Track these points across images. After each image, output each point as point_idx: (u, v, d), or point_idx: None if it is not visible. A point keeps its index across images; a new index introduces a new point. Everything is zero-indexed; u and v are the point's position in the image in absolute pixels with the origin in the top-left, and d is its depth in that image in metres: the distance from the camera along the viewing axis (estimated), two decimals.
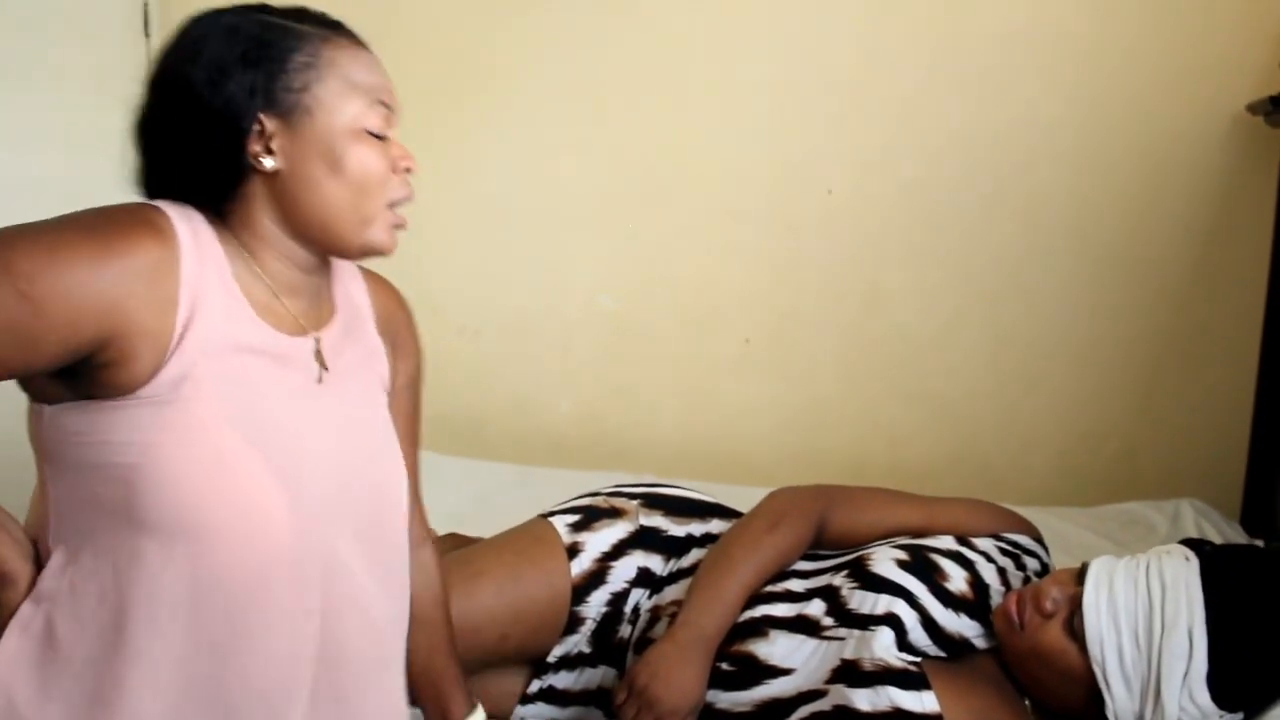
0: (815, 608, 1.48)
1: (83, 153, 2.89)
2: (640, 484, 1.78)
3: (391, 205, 1.14)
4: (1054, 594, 1.40)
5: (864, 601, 1.44)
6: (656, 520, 1.67)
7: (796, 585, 1.53)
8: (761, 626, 1.49)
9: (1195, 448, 2.52)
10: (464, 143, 2.80)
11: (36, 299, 0.96)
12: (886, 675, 1.38)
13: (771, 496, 1.63)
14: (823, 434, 2.71)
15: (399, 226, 1.16)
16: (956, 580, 1.48)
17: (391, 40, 3.08)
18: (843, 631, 1.43)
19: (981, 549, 1.54)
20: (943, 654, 1.44)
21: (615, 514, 1.67)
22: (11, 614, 1.05)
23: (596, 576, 1.60)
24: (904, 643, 1.42)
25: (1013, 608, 1.41)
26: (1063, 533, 2.19)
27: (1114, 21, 2.44)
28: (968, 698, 1.41)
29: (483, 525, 1.83)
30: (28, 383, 1.05)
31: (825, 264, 2.68)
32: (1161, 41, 2.42)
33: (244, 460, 1.05)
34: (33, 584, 1.05)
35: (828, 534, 1.60)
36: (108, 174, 3.17)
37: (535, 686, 1.59)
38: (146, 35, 3.03)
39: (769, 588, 1.53)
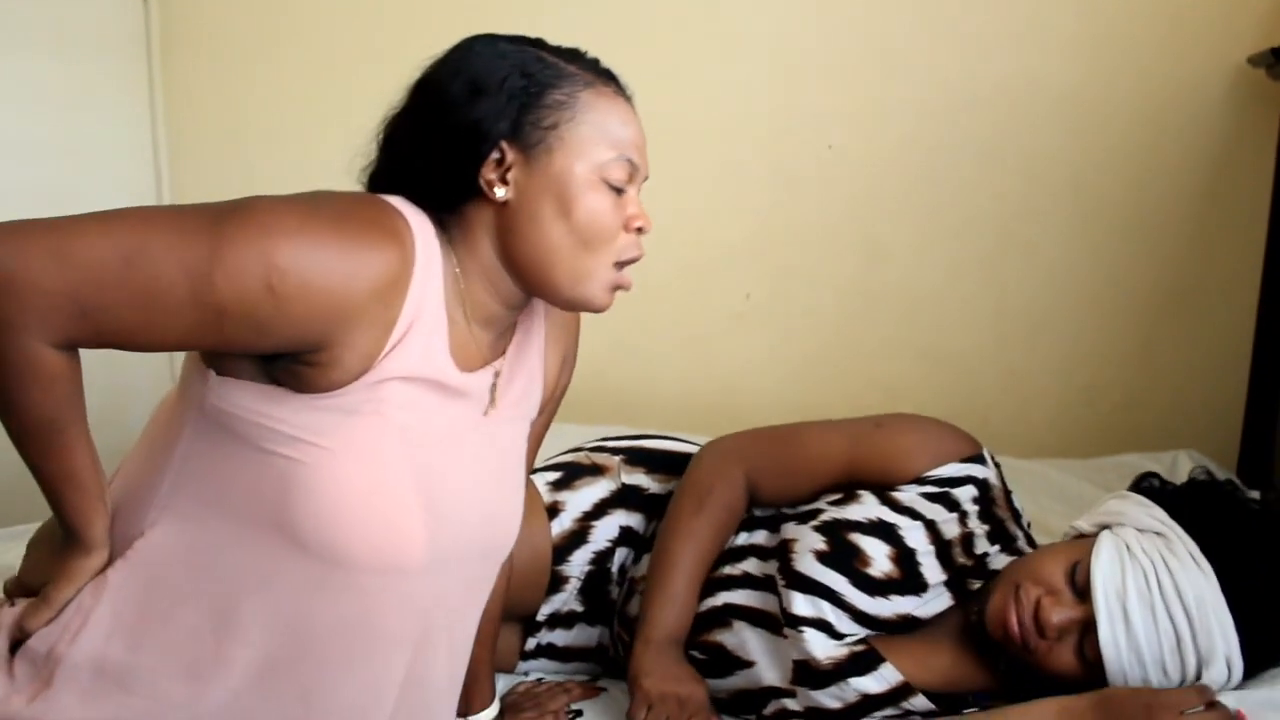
0: (770, 601, 1.46)
1: (81, 115, 2.89)
2: (625, 436, 1.77)
3: (618, 264, 1.11)
4: (1056, 619, 1.33)
5: (792, 602, 1.41)
6: (638, 478, 1.65)
7: (754, 568, 1.51)
8: (725, 616, 1.48)
9: (1193, 400, 2.53)
10: None
11: (283, 296, 0.94)
12: (842, 668, 1.38)
13: (695, 464, 1.59)
14: (822, 388, 2.72)
15: (621, 287, 1.13)
16: (879, 561, 1.42)
17: None
18: (788, 630, 1.42)
19: (905, 505, 1.47)
20: (885, 633, 1.43)
21: (597, 471, 1.65)
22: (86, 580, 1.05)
23: (578, 536, 1.59)
24: (837, 634, 1.40)
25: (1015, 631, 1.35)
26: (1062, 484, 2.21)
27: None
28: (927, 658, 1.42)
29: None
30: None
31: (825, 219, 2.68)
32: None
33: (402, 492, 1.04)
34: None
35: (759, 496, 1.57)
36: (104, 137, 3.19)
37: (532, 644, 1.60)
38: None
39: (728, 570, 1.52)
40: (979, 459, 1.52)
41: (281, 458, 1.00)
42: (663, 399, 2.83)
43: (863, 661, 1.39)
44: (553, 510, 1.60)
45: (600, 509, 1.62)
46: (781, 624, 1.43)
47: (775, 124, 2.67)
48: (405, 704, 1.14)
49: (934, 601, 1.45)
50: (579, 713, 1.48)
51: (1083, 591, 1.34)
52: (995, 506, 1.50)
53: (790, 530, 1.48)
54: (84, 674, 1.02)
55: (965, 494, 1.49)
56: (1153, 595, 1.30)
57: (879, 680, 1.38)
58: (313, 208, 0.98)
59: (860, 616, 1.41)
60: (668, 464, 1.67)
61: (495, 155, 1.05)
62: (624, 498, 1.63)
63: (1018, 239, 2.58)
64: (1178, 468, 2.24)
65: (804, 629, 1.39)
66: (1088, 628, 1.33)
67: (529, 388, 1.23)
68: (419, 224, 1.04)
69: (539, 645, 1.61)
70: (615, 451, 1.70)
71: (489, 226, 1.08)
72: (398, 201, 1.05)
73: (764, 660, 1.45)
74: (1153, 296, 2.53)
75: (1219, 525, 1.35)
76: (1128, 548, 1.34)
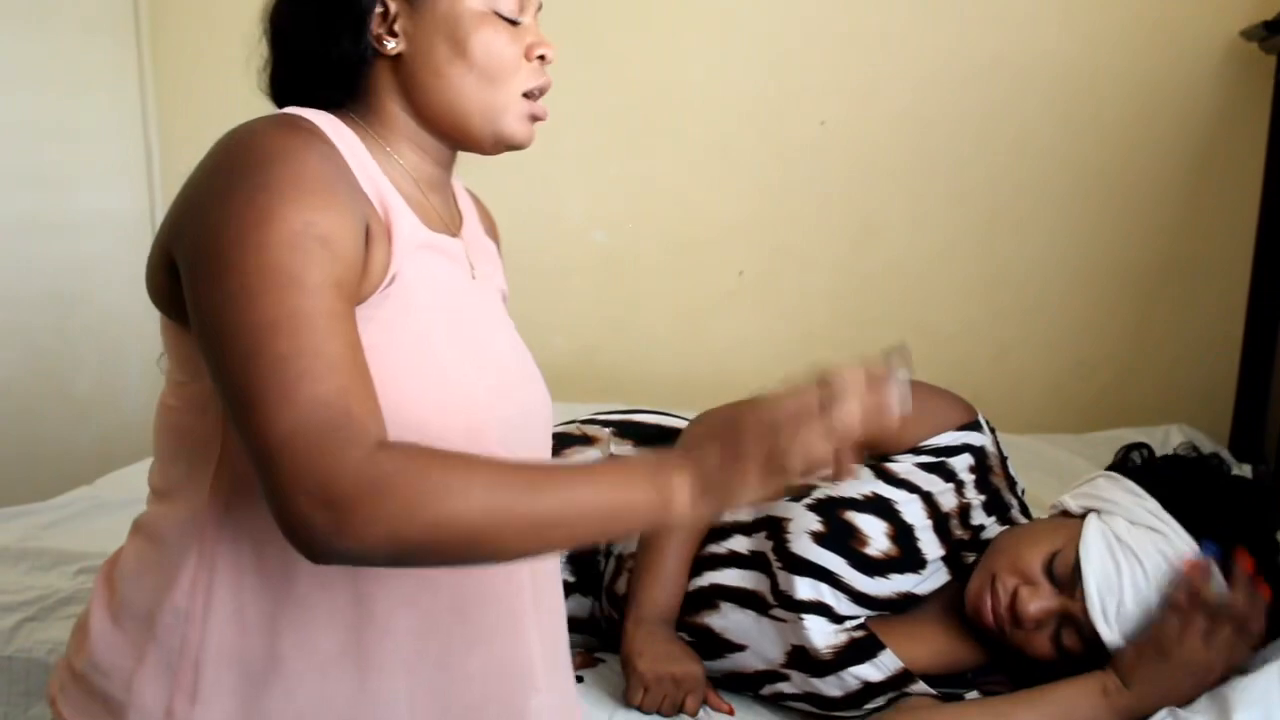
0: (759, 581, 1.44)
1: (71, 96, 2.89)
2: (618, 410, 1.77)
3: (527, 95, 1.08)
4: (1033, 611, 1.32)
5: (790, 584, 1.39)
6: (626, 450, 1.65)
7: (740, 546, 1.49)
8: (712, 598, 1.47)
9: (1186, 375, 2.54)
10: None
11: (328, 237, 0.90)
12: (842, 656, 1.38)
13: (685, 437, 1.57)
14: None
15: (537, 118, 1.10)
16: (877, 540, 1.41)
17: None
18: (782, 613, 1.40)
19: (901, 477, 1.45)
20: (884, 613, 1.42)
21: (587, 441, 1.65)
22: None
23: None
24: (837, 616, 1.39)
25: (990, 620, 1.35)
26: (1055, 459, 2.22)
27: None
28: (926, 638, 1.41)
29: None
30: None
31: (818, 196, 2.68)
32: None
33: (453, 357, 1.02)
34: None
35: None
36: (95, 118, 3.18)
37: None
38: None
39: (714, 549, 1.50)
40: (975, 426, 1.50)
41: None
42: (656, 376, 2.83)
43: (863, 648, 1.38)
44: None
45: None
46: (769, 604, 1.42)
47: (768, 102, 2.67)
48: (532, 581, 1.11)
49: (932, 578, 1.45)
50: (579, 679, 1.49)
51: (1061, 582, 1.33)
52: (991, 474, 1.49)
53: (783, 508, 1.46)
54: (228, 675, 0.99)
55: (961, 463, 1.47)
56: (1151, 592, 1.29)
57: (878, 668, 1.38)
58: (241, 173, 0.92)
59: (859, 597, 1.40)
60: (657, 437, 1.67)
61: (379, 9, 1.02)
62: None
63: (1011, 215, 2.58)
64: (1170, 442, 2.24)
65: (804, 615, 1.38)
66: (1065, 618, 1.33)
67: (492, 260, 1.21)
68: (319, 118, 1.01)
69: None
70: (606, 424, 1.70)
71: (393, 87, 1.05)
72: (291, 111, 1.01)
73: (755, 643, 1.44)
74: (1145, 272, 2.54)
75: (1205, 502, 1.34)
76: (1118, 540, 1.32)
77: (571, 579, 1.59)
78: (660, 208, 2.79)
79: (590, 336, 2.88)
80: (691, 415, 1.75)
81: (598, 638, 1.61)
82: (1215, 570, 1.25)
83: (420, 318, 1.00)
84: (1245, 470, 2.15)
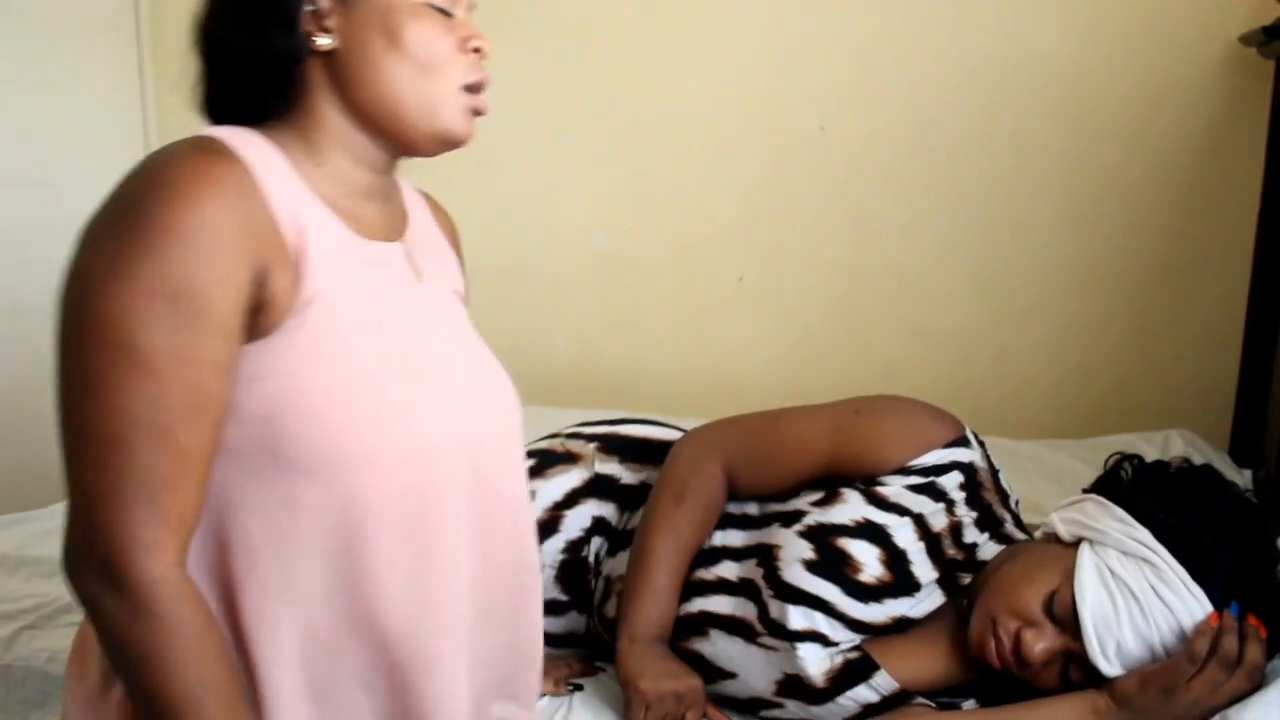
0: (747, 609, 1.43)
1: (71, 97, 2.88)
2: (604, 421, 1.74)
3: (464, 89, 1.06)
4: (1038, 652, 1.32)
5: (782, 613, 1.38)
6: (612, 467, 1.63)
7: (730, 572, 1.48)
8: (702, 625, 1.46)
9: (1186, 379, 2.54)
10: None
11: (189, 297, 0.89)
12: (838, 681, 1.37)
13: (672, 458, 1.55)
14: (816, 369, 2.73)
15: (478, 112, 1.08)
16: (870, 566, 1.39)
17: None
18: (773, 641, 1.39)
19: (891, 500, 1.43)
20: (879, 634, 1.41)
21: (570, 459, 1.63)
22: None
23: (549, 525, 1.57)
24: (831, 643, 1.38)
25: (996, 662, 1.34)
26: (1055, 464, 2.22)
27: None
28: (922, 658, 1.40)
29: None
30: None
31: (818, 199, 2.68)
32: None
33: (387, 374, 1.00)
34: None
35: (739, 487, 1.53)
36: (95, 118, 3.18)
37: None
38: None
39: (702, 574, 1.49)
40: (962, 441, 1.47)
41: (261, 405, 0.94)
42: (656, 381, 2.83)
43: (857, 670, 1.37)
44: None
45: (572, 498, 1.59)
46: (757, 631, 1.41)
47: (767, 105, 2.67)
48: (484, 593, 1.09)
49: (926, 601, 1.43)
50: (579, 686, 1.48)
51: (1062, 621, 1.32)
52: (982, 490, 1.47)
53: (774, 535, 1.45)
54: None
55: (951, 481, 1.45)
56: (1151, 630, 1.28)
57: (875, 689, 1.37)
58: (122, 207, 0.91)
59: (854, 624, 1.39)
60: (643, 453, 1.65)
61: (309, 6, 1.01)
62: (596, 487, 1.61)
63: (1010, 218, 2.58)
64: (1170, 447, 2.25)
65: (798, 644, 1.37)
66: (1071, 655, 1.32)
67: (449, 273, 1.19)
68: (240, 140, 0.98)
69: None
70: (591, 438, 1.67)
71: (327, 86, 1.04)
72: (208, 132, 0.99)
73: (746, 671, 1.43)
74: (1145, 276, 2.53)
75: (1197, 532, 1.31)
76: (1112, 573, 1.30)
77: (565, 598, 1.59)
78: (661, 211, 2.79)
79: (591, 340, 2.88)
80: (691, 420, 1.74)
81: (596, 651, 1.60)
82: (1236, 627, 1.25)
83: (348, 338, 0.99)
84: (1245, 476, 2.15)
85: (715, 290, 2.78)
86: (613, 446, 1.66)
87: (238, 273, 0.92)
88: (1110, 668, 1.29)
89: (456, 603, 1.05)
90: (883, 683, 1.37)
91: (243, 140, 0.98)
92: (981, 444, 1.51)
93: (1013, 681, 1.37)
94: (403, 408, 1.01)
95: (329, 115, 1.04)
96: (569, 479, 1.61)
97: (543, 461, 1.63)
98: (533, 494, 1.57)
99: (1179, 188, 2.47)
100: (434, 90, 1.04)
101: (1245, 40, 2.28)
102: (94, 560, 0.90)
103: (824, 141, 2.64)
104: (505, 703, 1.17)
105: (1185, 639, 1.27)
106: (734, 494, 1.55)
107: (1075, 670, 1.33)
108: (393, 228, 1.11)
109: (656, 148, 2.76)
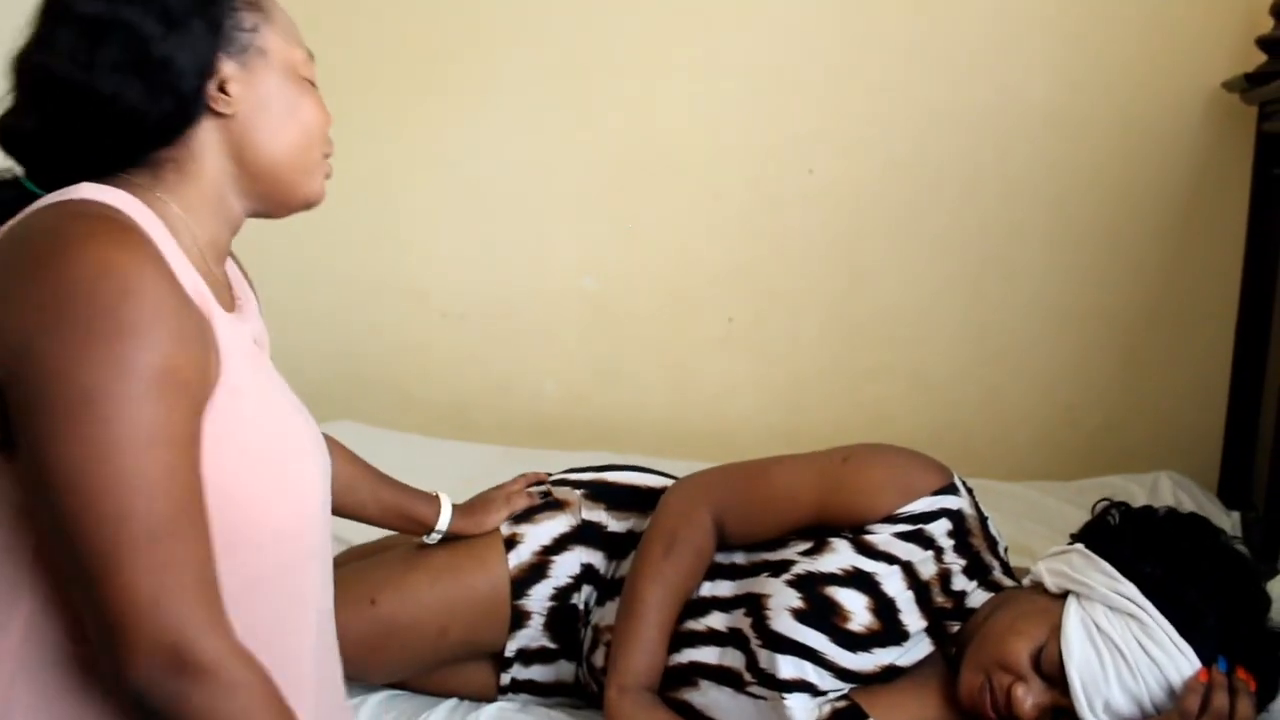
0: (735, 658, 1.43)
1: None
2: (590, 468, 1.73)
3: (325, 156, 1.12)
4: (1029, 707, 1.31)
5: (771, 662, 1.38)
6: (599, 515, 1.62)
7: (718, 622, 1.48)
8: (691, 675, 1.46)
9: (1174, 422, 2.55)
10: (445, 126, 2.80)
11: (184, 374, 0.90)
12: None
13: (662, 506, 1.55)
14: (806, 413, 2.73)
15: (328, 176, 1.14)
16: (859, 615, 1.39)
17: (371, 21, 3.07)
18: (761, 690, 1.39)
19: (880, 549, 1.43)
20: (867, 683, 1.41)
21: (558, 506, 1.62)
22: None
23: (537, 570, 1.56)
24: (820, 693, 1.38)
25: (989, 713, 1.33)
26: (1044, 507, 2.22)
27: (1093, 1, 2.45)
28: (910, 707, 1.39)
29: None
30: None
31: (807, 243, 2.69)
32: (1139, 20, 2.43)
33: (291, 450, 1.04)
34: None
35: (728, 536, 1.54)
36: None
37: (507, 679, 1.58)
38: None
39: (692, 625, 1.49)
40: (950, 489, 1.47)
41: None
42: (645, 423, 2.83)
43: (846, 718, 1.37)
44: (510, 542, 1.57)
45: (560, 544, 1.59)
46: (746, 681, 1.40)
47: (756, 149, 2.69)
48: (324, 640, 1.13)
49: (915, 649, 1.43)
50: (546, 493, 1.61)
51: (1050, 677, 1.31)
52: (971, 537, 1.47)
53: (762, 585, 1.45)
54: None
55: (939, 529, 1.45)
56: (1139, 686, 1.27)
57: None
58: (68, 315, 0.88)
59: (842, 673, 1.38)
60: (630, 500, 1.65)
61: (213, 72, 1.01)
62: (584, 534, 1.60)
63: (998, 261, 2.60)
64: (1159, 490, 2.25)
65: (786, 694, 1.37)
66: (1061, 710, 1.31)
67: (252, 306, 1.18)
68: (127, 207, 0.97)
69: (516, 680, 1.58)
70: (577, 485, 1.66)
71: (217, 147, 1.04)
72: (98, 204, 0.95)
73: (732, 718, 1.42)
74: (1133, 319, 2.55)
75: (1182, 575, 1.31)
76: (1099, 629, 1.30)
77: (554, 646, 1.58)
78: (650, 254, 2.80)
79: (579, 382, 2.88)
80: (679, 463, 1.74)
81: (585, 700, 1.59)
82: (1226, 683, 1.24)
83: (253, 413, 1.01)
84: (1234, 518, 2.15)
85: (704, 333, 2.78)
86: (599, 494, 1.65)
87: (202, 345, 0.95)
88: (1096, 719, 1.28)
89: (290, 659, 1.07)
90: None
91: (133, 209, 0.97)
92: (970, 491, 1.51)
93: None
94: (306, 479, 1.05)
95: (211, 173, 1.05)
96: (556, 524, 1.60)
97: (530, 508, 1.62)
98: (520, 538, 1.57)
99: (1165, 232, 2.49)
100: (312, 159, 1.10)
101: (1228, 86, 2.31)
102: (169, 661, 0.87)
103: (813, 186, 2.66)
104: None
105: (1174, 695, 1.26)
106: (723, 543, 1.54)
107: None
108: (228, 290, 1.12)
109: (646, 190, 2.77)
